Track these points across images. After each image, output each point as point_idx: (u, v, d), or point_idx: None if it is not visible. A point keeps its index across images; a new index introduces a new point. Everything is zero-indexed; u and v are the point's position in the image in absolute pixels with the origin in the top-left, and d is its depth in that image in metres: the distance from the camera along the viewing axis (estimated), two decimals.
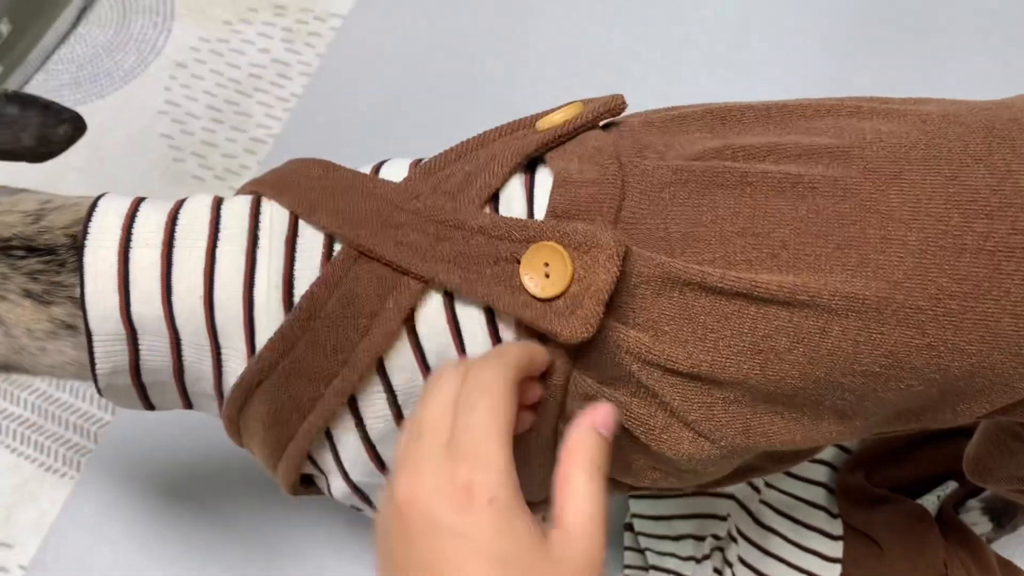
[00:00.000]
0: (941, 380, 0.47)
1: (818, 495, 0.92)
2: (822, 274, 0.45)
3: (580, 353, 0.47)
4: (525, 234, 0.46)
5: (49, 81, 1.24)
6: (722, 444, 0.49)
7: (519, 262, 0.46)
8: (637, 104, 0.57)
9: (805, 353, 0.46)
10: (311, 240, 0.49)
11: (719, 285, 0.45)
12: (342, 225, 0.48)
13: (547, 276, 0.45)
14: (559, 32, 1.21)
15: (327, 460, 0.53)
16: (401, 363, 0.48)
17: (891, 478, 0.91)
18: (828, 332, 0.45)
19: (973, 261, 0.45)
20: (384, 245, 0.47)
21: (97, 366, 0.49)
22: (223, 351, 0.49)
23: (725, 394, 0.47)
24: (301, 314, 0.47)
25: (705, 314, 0.46)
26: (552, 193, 0.48)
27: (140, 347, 0.49)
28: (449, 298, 0.48)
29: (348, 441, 0.51)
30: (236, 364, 0.50)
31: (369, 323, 0.47)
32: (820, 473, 0.93)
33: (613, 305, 0.45)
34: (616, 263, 0.44)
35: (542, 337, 0.46)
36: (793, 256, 0.46)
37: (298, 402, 0.49)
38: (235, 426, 0.53)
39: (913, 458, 0.92)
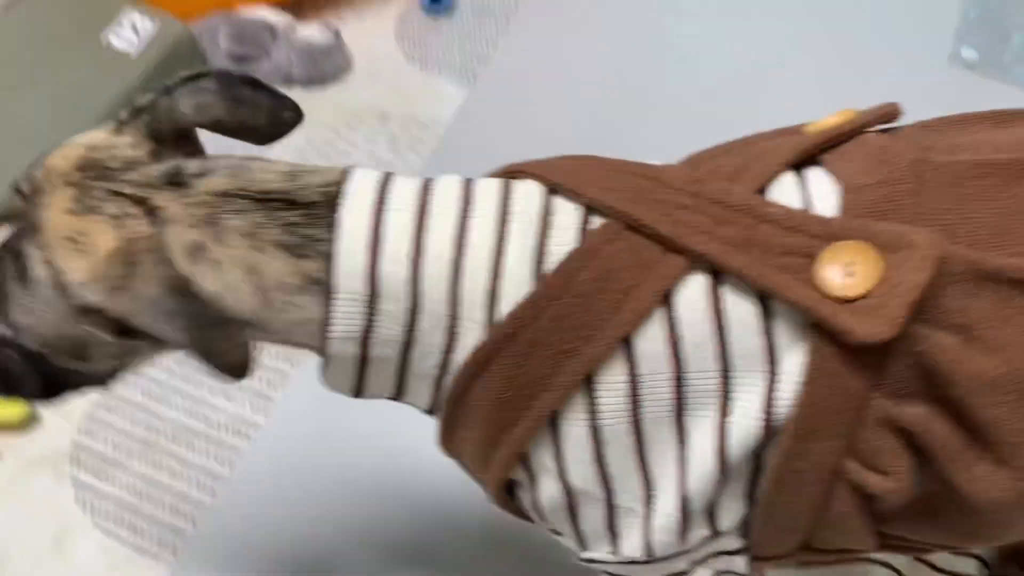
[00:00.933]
0: None
1: None
2: None
3: (875, 366, 0.44)
4: (825, 230, 0.45)
5: None
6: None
7: (813, 257, 0.44)
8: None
9: None
10: (567, 217, 0.49)
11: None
12: (616, 199, 0.47)
13: (850, 276, 0.43)
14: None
15: (543, 457, 0.50)
16: (651, 349, 0.46)
17: None
18: None
19: None
20: (661, 221, 0.46)
21: (333, 326, 0.48)
22: (460, 323, 0.48)
23: None
24: (553, 283, 0.46)
25: (1020, 314, 0.43)
26: (845, 196, 0.46)
27: (378, 313, 0.48)
28: (714, 285, 0.46)
29: (573, 434, 0.49)
30: (471, 338, 0.48)
31: (622, 299, 0.46)
32: (970, 566, 0.87)
33: (919, 308, 0.43)
34: (931, 263, 0.42)
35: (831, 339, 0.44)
36: None
37: (531, 379, 0.47)
38: (454, 410, 0.51)
39: None
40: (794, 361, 0.46)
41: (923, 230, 0.44)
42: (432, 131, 1.29)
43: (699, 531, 0.51)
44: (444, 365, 0.50)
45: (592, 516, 0.52)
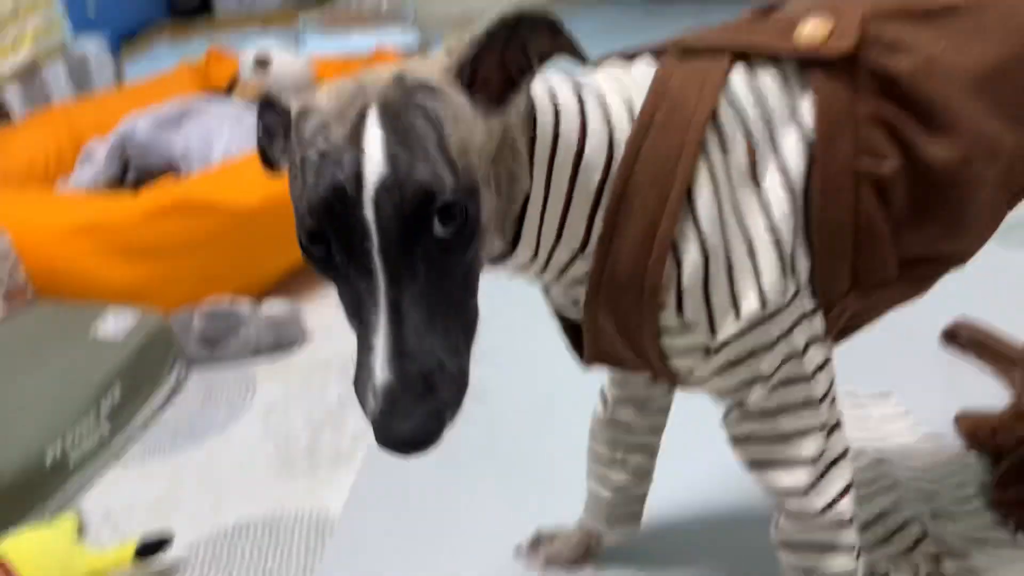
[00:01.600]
0: None
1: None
2: None
3: (850, 77, 0.66)
4: (794, 18, 0.69)
5: (149, 438, 1.34)
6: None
7: (792, 30, 0.68)
8: None
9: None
10: (647, 63, 0.70)
11: (909, 5, 0.69)
12: (671, 45, 0.69)
13: (816, 30, 0.67)
14: None
15: (687, 229, 0.65)
16: (728, 116, 0.66)
17: None
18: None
19: None
20: (703, 41, 0.68)
21: (537, 142, 0.64)
22: (615, 134, 0.65)
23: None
24: (658, 89, 0.66)
25: (926, 30, 0.68)
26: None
27: (559, 137, 0.64)
28: (748, 70, 0.68)
29: (703, 197, 0.64)
30: (622, 148, 0.65)
31: (702, 87, 0.66)
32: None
33: (862, 38, 0.66)
34: (860, 13, 0.67)
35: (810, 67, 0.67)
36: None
37: (670, 151, 0.64)
38: (618, 207, 0.65)
39: None
40: (806, 104, 0.67)
41: (858, 2, 0.69)
42: None
43: (790, 284, 0.66)
44: (603, 180, 0.65)
45: (720, 281, 0.65)
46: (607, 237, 0.66)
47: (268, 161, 0.66)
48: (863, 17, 0.68)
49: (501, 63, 0.59)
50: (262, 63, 2.21)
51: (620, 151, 0.65)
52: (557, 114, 0.65)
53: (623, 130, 0.66)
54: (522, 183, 0.64)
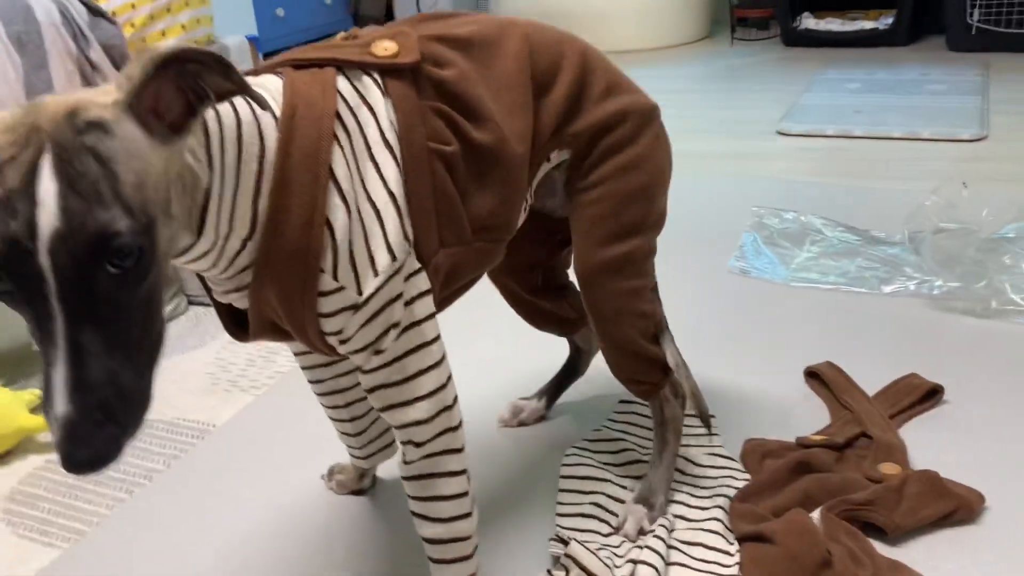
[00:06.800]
0: None
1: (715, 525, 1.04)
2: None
3: (417, 84, 0.84)
4: (370, 38, 0.86)
5: None
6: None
7: (369, 46, 0.84)
8: None
9: None
10: (274, 78, 0.83)
11: (445, 34, 0.88)
12: (285, 60, 0.84)
13: (387, 50, 0.84)
14: None
15: (334, 199, 0.77)
16: (344, 111, 0.80)
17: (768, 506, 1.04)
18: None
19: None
20: (307, 55, 0.83)
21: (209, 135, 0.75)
22: (264, 129, 0.76)
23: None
24: (291, 92, 0.79)
25: (453, 52, 0.87)
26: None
27: (223, 124, 0.74)
28: (348, 80, 0.82)
29: (340, 173, 0.78)
30: (271, 139, 0.77)
31: (322, 90, 0.80)
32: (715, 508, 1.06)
33: (422, 56, 0.85)
34: (416, 38, 0.86)
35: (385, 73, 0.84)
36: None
37: (312, 138, 0.76)
38: (280, 189, 0.75)
39: (789, 488, 1.06)
40: (389, 102, 0.82)
41: (411, 30, 0.87)
42: None
43: (406, 242, 0.80)
44: (260, 169, 0.74)
45: (358, 241, 0.78)
46: (274, 216, 0.75)
47: None
48: (418, 40, 0.86)
49: (180, 92, 0.65)
50: None
51: (269, 142, 0.75)
52: (217, 113, 0.72)
53: (268, 123, 0.76)
54: (203, 179, 0.71)
